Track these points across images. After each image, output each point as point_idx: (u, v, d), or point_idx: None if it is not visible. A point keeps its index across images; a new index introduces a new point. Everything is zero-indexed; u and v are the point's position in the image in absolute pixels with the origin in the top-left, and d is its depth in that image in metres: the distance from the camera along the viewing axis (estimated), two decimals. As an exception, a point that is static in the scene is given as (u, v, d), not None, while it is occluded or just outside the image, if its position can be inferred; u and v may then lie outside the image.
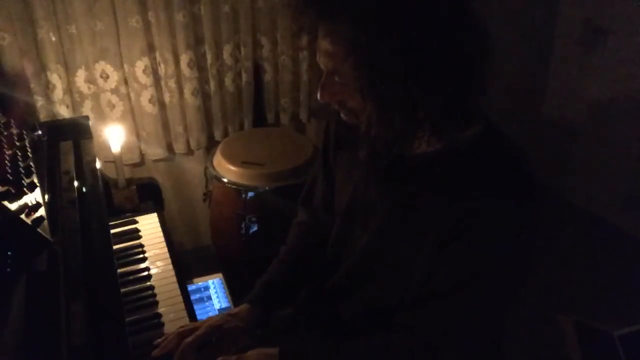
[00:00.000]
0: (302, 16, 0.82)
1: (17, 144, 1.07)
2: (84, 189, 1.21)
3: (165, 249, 1.38)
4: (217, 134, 2.19)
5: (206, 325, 1.03)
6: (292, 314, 1.19)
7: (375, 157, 0.88)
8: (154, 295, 1.22)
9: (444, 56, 0.75)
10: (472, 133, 0.86)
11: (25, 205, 0.89)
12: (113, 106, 1.97)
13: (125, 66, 1.92)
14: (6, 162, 0.97)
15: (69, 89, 1.87)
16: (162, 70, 1.97)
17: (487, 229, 0.82)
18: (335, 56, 0.80)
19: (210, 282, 1.75)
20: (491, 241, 0.82)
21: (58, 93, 1.83)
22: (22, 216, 0.86)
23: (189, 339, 1.00)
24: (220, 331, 1.03)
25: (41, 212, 0.91)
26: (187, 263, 2.27)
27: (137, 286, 1.25)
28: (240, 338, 1.05)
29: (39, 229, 0.87)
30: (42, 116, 1.83)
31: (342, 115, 0.90)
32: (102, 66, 1.90)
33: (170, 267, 1.32)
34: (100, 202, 1.19)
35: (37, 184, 0.98)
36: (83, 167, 1.28)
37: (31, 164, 1.02)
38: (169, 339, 1.02)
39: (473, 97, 0.82)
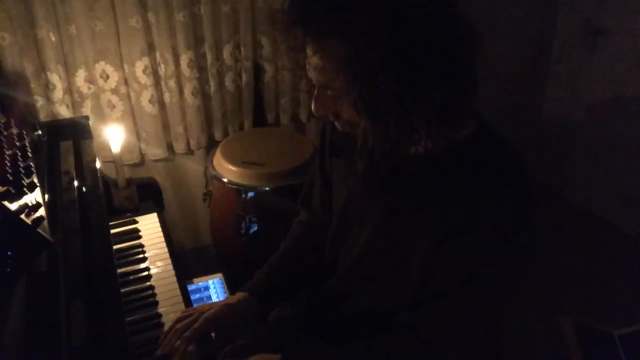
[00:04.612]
0: (290, 35, 0.81)
1: (17, 144, 1.07)
2: (84, 189, 1.21)
3: (165, 249, 1.38)
4: (217, 134, 2.19)
5: (203, 319, 1.02)
6: (290, 315, 1.19)
7: (373, 167, 0.87)
8: (154, 295, 1.22)
9: (434, 64, 0.75)
10: (465, 133, 0.86)
11: (25, 205, 0.88)
12: (113, 106, 1.97)
13: (125, 66, 1.92)
14: (6, 162, 0.97)
15: (69, 89, 1.87)
16: (162, 70, 1.97)
17: (483, 230, 0.82)
18: (325, 71, 0.80)
19: (210, 282, 1.75)
20: (488, 242, 0.82)
21: (58, 93, 1.83)
22: (22, 216, 0.86)
23: (187, 334, 0.99)
24: (218, 325, 1.03)
25: (41, 212, 0.90)
26: (187, 263, 2.27)
27: (137, 286, 1.25)
28: (239, 334, 1.05)
29: (39, 229, 0.87)
30: (42, 116, 1.83)
31: (338, 125, 0.90)
32: (102, 66, 1.90)
33: (170, 267, 1.32)
34: (100, 202, 1.19)
35: (37, 184, 0.97)
36: (83, 167, 1.28)
37: (31, 164, 1.02)
38: (169, 337, 1.01)
39: (466, 99, 0.82)
